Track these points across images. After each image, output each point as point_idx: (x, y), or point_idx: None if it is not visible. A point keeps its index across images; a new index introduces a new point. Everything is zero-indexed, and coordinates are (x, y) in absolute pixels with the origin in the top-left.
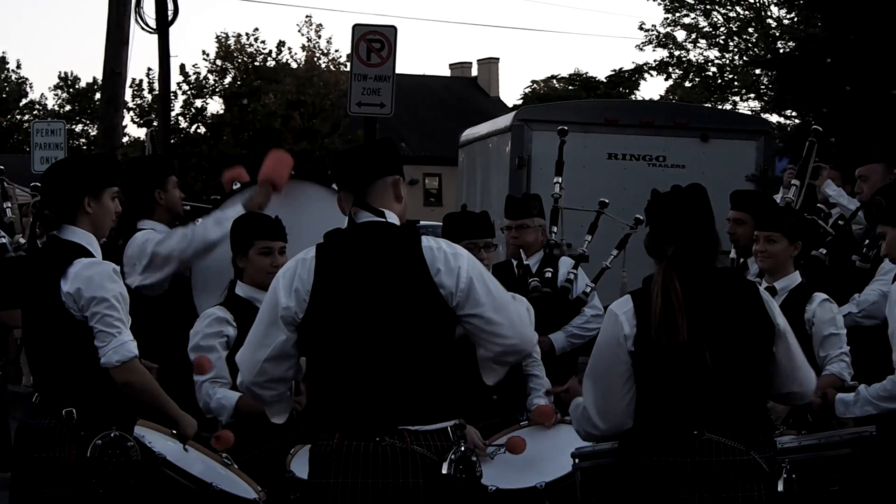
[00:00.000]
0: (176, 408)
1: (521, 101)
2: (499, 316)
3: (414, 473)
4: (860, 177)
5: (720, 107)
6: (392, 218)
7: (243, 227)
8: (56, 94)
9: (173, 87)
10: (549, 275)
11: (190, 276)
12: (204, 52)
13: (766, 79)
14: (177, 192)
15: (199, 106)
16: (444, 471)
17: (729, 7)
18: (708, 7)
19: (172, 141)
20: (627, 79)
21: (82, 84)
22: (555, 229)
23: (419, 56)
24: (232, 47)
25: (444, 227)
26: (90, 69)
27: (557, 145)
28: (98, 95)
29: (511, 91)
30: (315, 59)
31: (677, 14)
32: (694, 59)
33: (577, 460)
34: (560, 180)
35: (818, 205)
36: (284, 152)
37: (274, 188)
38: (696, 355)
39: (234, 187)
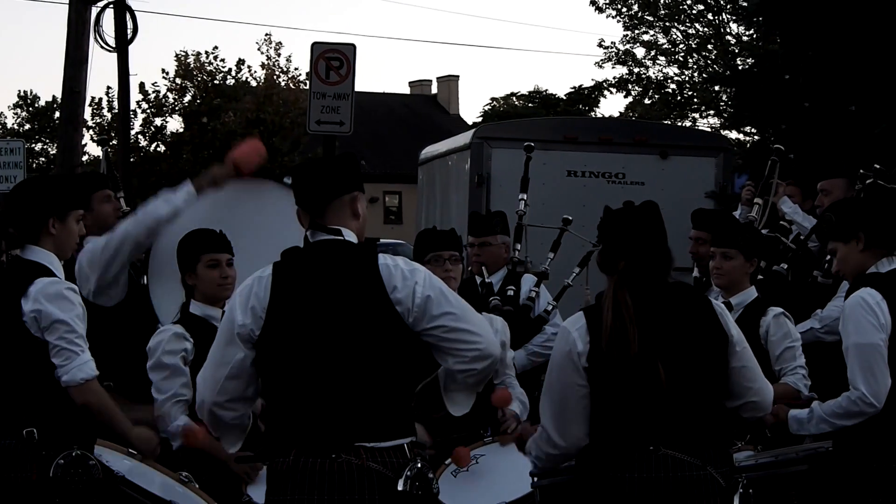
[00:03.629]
0: (131, 427)
1: (480, 119)
2: (463, 323)
3: (370, 490)
4: (822, 190)
5: (680, 124)
6: (349, 235)
7: (188, 245)
8: (15, 113)
9: (133, 105)
10: (511, 292)
11: (146, 263)
12: (163, 71)
13: (725, 95)
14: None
15: (159, 124)
16: (400, 488)
17: (688, 24)
18: (667, 24)
19: (132, 159)
20: (587, 96)
21: (41, 103)
22: (518, 246)
23: (379, 74)
24: (191, 65)
25: (415, 243)
26: (49, 88)
27: (516, 163)
28: (57, 114)
29: (471, 108)
30: (274, 77)
31: (637, 31)
32: (653, 76)
33: (535, 479)
34: (525, 197)
35: (781, 222)
36: (260, 144)
37: (238, 171)
38: (648, 369)
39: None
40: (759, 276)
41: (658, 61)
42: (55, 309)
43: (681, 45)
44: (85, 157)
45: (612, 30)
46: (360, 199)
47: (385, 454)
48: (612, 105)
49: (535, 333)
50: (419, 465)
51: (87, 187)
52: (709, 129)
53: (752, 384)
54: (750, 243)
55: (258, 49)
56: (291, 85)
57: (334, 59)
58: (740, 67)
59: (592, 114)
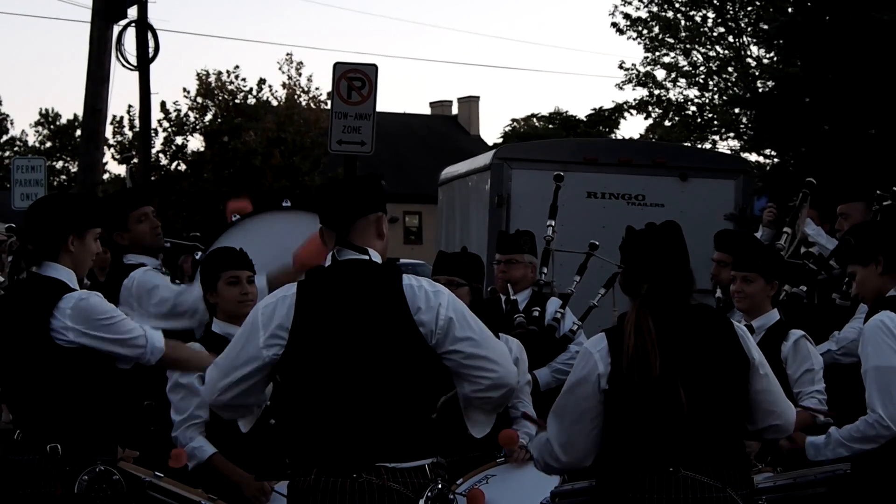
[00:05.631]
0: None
1: (501, 140)
2: (482, 350)
3: None
4: (841, 214)
5: (699, 146)
6: (374, 256)
7: (209, 263)
8: (37, 131)
9: (154, 124)
10: (536, 313)
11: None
12: (185, 90)
13: (745, 118)
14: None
15: (180, 143)
16: None
17: (709, 46)
18: (688, 46)
19: (153, 178)
20: (607, 118)
21: (63, 121)
22: (545, 270)
23: (400, 94)
24: (213, 84)
25: (433, 266)
26: (71, 106)
27: (537, 184)
28: (78, 132)
29: (491, 129)
30: (295, 96)
31: (657, 53)
32: (674, 98)
33: (556, 499)
34: (553, 223)
35: (809, 249)
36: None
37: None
38: (669, 392)
39: (234, 219)
40: (782, 297)
41: (678, 83)
42: (97, 314)
43: (701, 68)
44: (105, 176)
45: (633, 52)
46: (384, 220)
47: (406, 475)
48: (633, 127)
49: (560, 353)
50: (440, 486)
51: (122, 207)
52: (729, 152)
53: (774, 407)
54: (769, 266)
55: (279, 68)
56: (312, 104)
57: (356, 80)
58: (760, 90)
59: (612, 135)
